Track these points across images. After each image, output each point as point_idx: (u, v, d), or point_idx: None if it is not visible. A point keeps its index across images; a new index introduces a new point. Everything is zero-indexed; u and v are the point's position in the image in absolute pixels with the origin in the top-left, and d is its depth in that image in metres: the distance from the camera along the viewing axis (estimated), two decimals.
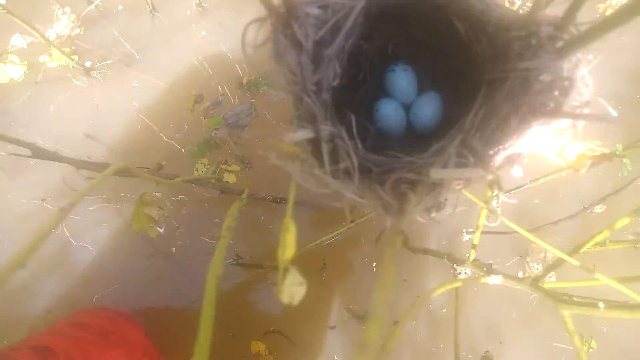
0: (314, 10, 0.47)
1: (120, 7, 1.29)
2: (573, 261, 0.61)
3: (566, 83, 0.45)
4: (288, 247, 0.39)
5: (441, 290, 0.68)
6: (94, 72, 1.24)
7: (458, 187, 0.48)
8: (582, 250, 0.66)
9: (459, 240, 1.16)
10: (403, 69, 0.62)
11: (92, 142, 1.19)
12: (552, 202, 1.20)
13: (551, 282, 0.65)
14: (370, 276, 1.16)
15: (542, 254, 1.20)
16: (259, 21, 0.46)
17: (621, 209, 0.71)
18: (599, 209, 1.06)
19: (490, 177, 0.47)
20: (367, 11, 0.53)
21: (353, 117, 0.50)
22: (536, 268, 1.18)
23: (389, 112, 0.61)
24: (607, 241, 0.72)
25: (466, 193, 0.78)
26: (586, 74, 0.45)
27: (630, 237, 1.12)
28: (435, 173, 0.44)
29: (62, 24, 1.23)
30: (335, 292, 1.17)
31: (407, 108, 0.63)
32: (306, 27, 0.48)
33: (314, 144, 0.47)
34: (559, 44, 0.45)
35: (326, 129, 0.47)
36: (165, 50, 1.27)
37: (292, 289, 0.37)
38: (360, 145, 0.49)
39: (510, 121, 0.47)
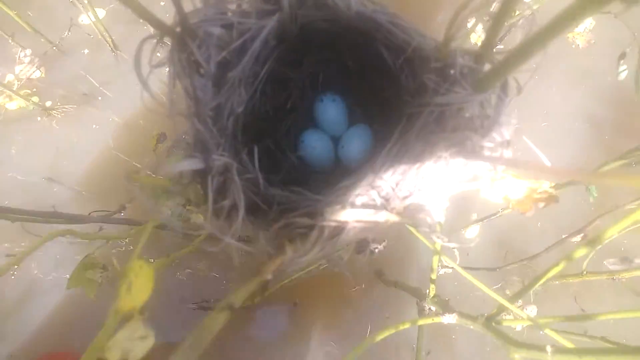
0: (216, 30, 0.43)
1: (85, 51, 1.28)
2: (512, 307, 0.55)
3: (485, 122, 0.40)
4: (135, 292, 0.33)
5: (388, 332, 0.62)
6: (55, 111, 1.22)
7: (364, 232, 0.42)
8: (537, 285, 0.60)
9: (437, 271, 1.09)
10: (332, 99, 0.57)
11: (54, 184, 1.16)
12: (529, 230, 1.13)
13: (508, 319, 0.59)
14: (349, 313, 1.09)
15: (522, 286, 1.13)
16: (155, 40, 0.42)
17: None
18: (576, 238, 1.00)
19: (397, 220, 0.42)
20: (287, 34, 0.49)
21: (255, 148, 0.45)
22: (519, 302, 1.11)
23: (315, 144, 0.56)
24: (585, 272, 0.71)
25: (417, 234, 0.72)
26: (509, 111, 0.40)
27: (611, 268, 1.05)
28: (332, 213, 0.39)
29: (23, 66, 1.22)
30: (310, 333, 1.10)
31: (337, 140, 0.58)
32: (208, 48, 0.43)
33: (204, 177, 0.42)
34: (477, 76, 0.40)
35: (220, 159, 0.42)
36: (127, 89, 1.25)
37: (129, 343, 0.31)
38: (261, 180, 0.44)
39: (424, 160, 0.41)
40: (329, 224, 0.39)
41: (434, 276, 0.62)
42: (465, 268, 0.96)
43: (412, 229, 0.66)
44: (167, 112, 0.43)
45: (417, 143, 0.42)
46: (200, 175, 0.42)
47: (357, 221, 0.41)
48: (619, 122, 1.22)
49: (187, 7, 0.43)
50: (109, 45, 1.23)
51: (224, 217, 0.41)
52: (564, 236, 1.00)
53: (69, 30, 1.16)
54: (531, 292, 1.06)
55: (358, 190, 0.42)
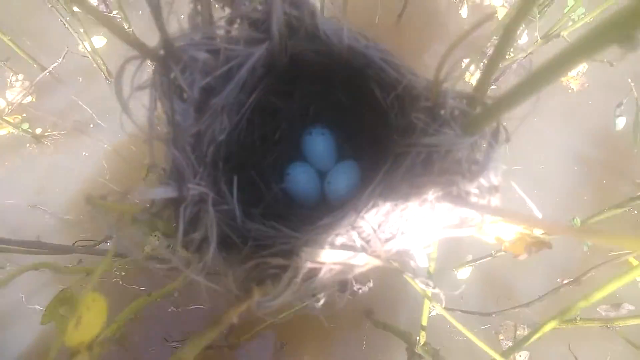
0: (202, 55, 0.41)
1: (79, 79, 1.27)
2: None
3: (473, 167, 0.38)
4: (85, 327, 0.30)
5: None
6: (45, 139, 1.21)
7: (342, 274, 0.40)
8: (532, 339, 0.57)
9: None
10: (321, 133, 0.56)
11: (40, 211, 1.13)
12: (522, 269, 1.10)
13: None
14: (338, 353, 1.05)
15: (515, 330, 1.09)
16: (137, 62, 0.41)
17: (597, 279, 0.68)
18: (570, 284, 0.97)
19: (378, 263, 0.39)
20: (277, 64, 0.48)
21: (235, 178, 0.43)
22: (506, 344, 1.08)
23: (300, 178, 0.54)
24: (578, 319, 0.67)
25: (407, 278, 0.69)
26: (498, 156, 0.38)
27: (604, 314, 1.02)
28: (308, 253, 0.36)
29: (15, 92, 1.22)
30: None
31: (324, 175, 0.56)
32: (192, 73, 0.42)
33: (177, 207, 0.40)
34: (468, 118, 0.38)
35: (195, 189, 0.40)
36: (119, 117, 1.23)
37: None
38: (238, 213, 0.42)
39: (409, 203, 0.39)
40: (304, 265, 0.37)
41: (424, 322, 0.59)
42: (457, 311, 0.93)
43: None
44: (146, 137, 0.41)
45: (402, 184, 0.40)
46: (174, 204, 0.40)
47: (335, 263, 0.38)
48: (611, 163, 1.21)
49: (174, 28, 0.41)
50: (104, 74, 1.22)
51: (193, 250, 0.38)
52: (558, 280, 0.98)
53: (64, 57, 1.15)
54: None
55: (338, 230, 0.40)
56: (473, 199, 0.38)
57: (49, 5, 1.00)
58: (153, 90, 0.41)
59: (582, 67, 1.22)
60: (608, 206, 0.74)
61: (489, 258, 0.92)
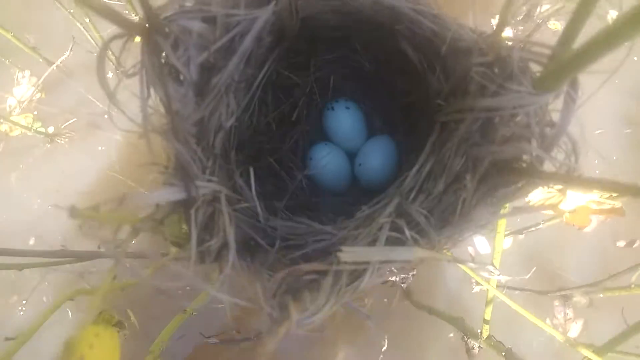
0: (196, 25, 0.34)
1: (87, 70, 1.22)
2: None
3: (548, 129, 0.31)
4: None
5: None
6: (59, 137, 1.16)
7: (392, 272, 0.33)
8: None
9: (468, 291, 0.95)
10: (345, 107, 0.48)
11: (61, 212, 1.08)
12: (564, 241, 1.01)
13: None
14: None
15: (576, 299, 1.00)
16: (122, 39, 0.34)
17: None
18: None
19: (434, 257, 0.32)
20: (287, 30, 0.40)
21: (251, 169, 0.36)
22: (566, 313, 0.99)
23: (326, 161, 0.46)
24: (632, 285, 0.66)
25: (463, 267, 0.62)
26: (577, 116, 0.30)
27: None
28: (346, 254, 0.30)
29: (23, 88, 1.16)
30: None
31: (353, 156, 0.49)
32: (187, 48, 0.35)
33: (186, 210, 0.33)
34: (538, 73, 0.30)
35: (206, 186, 0.33)
36: (133, 107, 1.17)
37: None
38: (260, 209, 0.35)
39: (465, 181, 0.32)
40: (346, 267, 0.30)
41: (487, 315, 0.52)
42: (508, 289, 0.85)
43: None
44: (141, 131, 0.34)
45: (456, 159, 0.32)
46: (183, 208, 0.33)
47: (382, 261, 0.31)
48: None
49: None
50: (113, 64, 1.16)
51: (211, 260, 0.32)
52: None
53: (71, 50, 1.09)
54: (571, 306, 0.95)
55: (382, 220, 0.33)
56: (550, 169, 0.30)
57: None
58: (143, 74, 0.34)
59: None
60: None
61: (538, 227, 0.83)
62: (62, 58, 1.12)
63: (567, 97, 0.29)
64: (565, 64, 0.27)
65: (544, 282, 0.94)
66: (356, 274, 0.32)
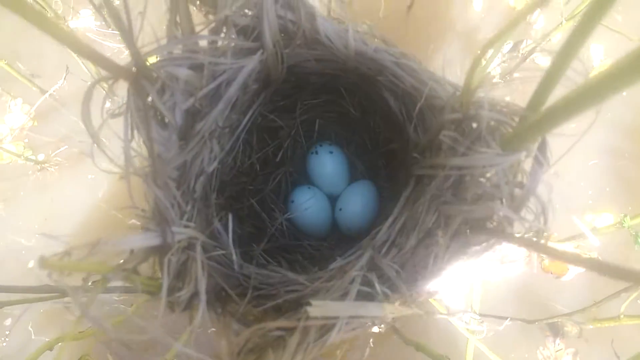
0: (183, 72, 0.35)
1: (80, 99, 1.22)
2: None
3: (517, 190, 0.31)
4: None
5: None
6: (49, 165, 1.16)
7: (361, 327, 0.33)
8: None
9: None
10: (328, 151, 0.49)
11: (49, 241, 1.07)
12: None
13: None
14: None
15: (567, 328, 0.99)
16: (107, 83, 0.35)
17: None
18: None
19: (404, 313, 0.32)
20: (273, 78, 0.41)
21: (230, 216, 0.36)
22: (557, 344, 0.98)
23: (308, 205, 0.47)
24: (622, 316, 0.65)
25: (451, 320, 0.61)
26: (545, 178, 0.31)
27: None
28: (316, 309, 0.30)
29: (15, 117, 1.17)
30: None
31: (335, 200, 0.49)
32: (173, 94, 0.36)
33: (161, 256, 0.33)
34: (507, 132, 0.31)
35: (182, 232, 0.33)
36: (116, 146, 1.17)
37: None
38: (235, 257, 0.36)
39: (437, 237, 0.32)
40: (315, 322, 0.30)
41: None
42: (496, 317, 0.84)
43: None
44: (121, 173, 0.35)
45: (428, 215, 0.33)
46: (158, 254, 0.33)
47: (352, 317, 0.31)
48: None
49: (150, 42, 0.35)
50: (105, 92, 1.16)
51: (181, 310, 0.32)
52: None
53: (65, 79, 1.10)
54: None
55: (353, 274, 0.33)
56: (518, 232, 0.31)
57: None
58: (127, 117, 0.35)
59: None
60: None
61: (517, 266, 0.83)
62: (56, 87, 1.13)
63: (536, 160, 0.30)
64: (532, 126, 0.27)
65: (534, 313, 0.93)
66: (325, 329, 0.32)
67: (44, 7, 0.82)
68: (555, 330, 0.99)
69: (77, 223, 1.09)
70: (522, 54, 1.04)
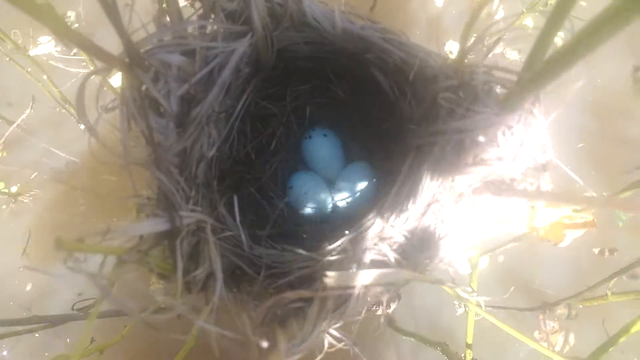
0: (176, 58, 0.35)
1: (49, 126, 1.20)
2: None
3: (517, 147, 0.32)
4: None
5: None
6: (23, 197, 1.12)
7: (378, 296, 0.33)
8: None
9: (452, 313, 0.95)
10: (322, 134, 0.49)
11: (31, 273, 1.04)
12: (538, 255, 1.03)
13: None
14: None
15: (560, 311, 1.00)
16: (99, 75, 0.34)
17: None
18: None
19: (417, 277, 0.33)
20: (263, 61, 0.41)
21: (235, 199, 0.36)
22: (552, 326, 1.00)
23: (305, 189, 0.47)
24: (609, 293, 0.67)
25: (446, 288, 0.62)
26: (544, 132, 0.32)
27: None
28: (331, 279, 0.30)
29: None
30: None
31: (332, 182, 0.50)
32: (167, 81, 0.35)
33: (171, 240, 0.33)
34: (502, 93, 0.32)
35: (190, 216, 0.33)
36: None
37: None
38: (245, 238, 0.36)
39: (443, 201, 0.33)
40: (332, 293, 0.31)
41: (469, 338, 0.52)
42: (491, 308, 0.86)
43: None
44: (123, 162, 0.34)
45: (432, 180, 0.34)
46: (167, 239, 0.33)
47: (367, 285, 0.32)
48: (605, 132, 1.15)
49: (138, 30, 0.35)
50: (74, 117, 1.13)
51: (198, 290, 0.32)
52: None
53: (31, 108, 1.06)
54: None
55: (365, 244, 0.33)
56: (520, 185, 0.32)
57: (7, 59, 0.93)
58: (123, 107, 0.35)
59: None
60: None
61: (510, 245, 0.85)
62: (23, 117, 1.09)
63: (531, 115, 0.31)
64: (528, 83, 0.28)
65: (525, 299, 0.95)
66: (342, 300, 0.32)
67: (2, 38, 0.80)
68: (548, 314, 1.02)
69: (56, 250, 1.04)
70: (486, 45, 1.08)
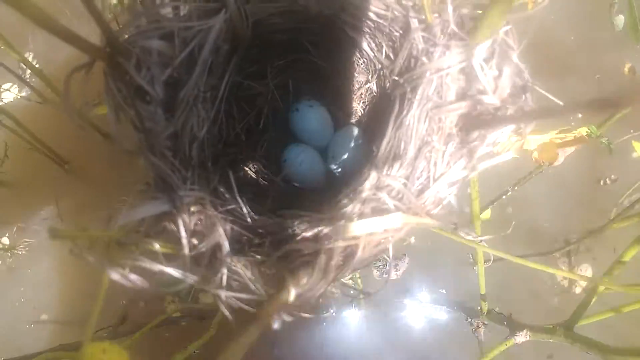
0: (155, 43, 0.35)
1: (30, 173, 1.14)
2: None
3: (496, 76, 0.33)
4: None
5: None
6: (17, 249, 1.08)
7: (382, 245, 0.34)
8: None
9: (468, 270, 0.93)
10: (308, 106, 0.50)
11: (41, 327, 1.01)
12: (534, 199, 1.02)
13: (593, 315, 0.48)
14: None
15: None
16: (83, 69, 0.35)
17: None
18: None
19: (419, 220, 0.34)
20: (240, 37, 0.42)
21: (230, 173, 0.37)
22: (585, 269, 0.97)
23: (300, 160, 0.48)
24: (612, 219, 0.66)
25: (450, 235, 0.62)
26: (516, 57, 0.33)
27: None
28: (336, 230, 0.31)
29: None
30: None
31: (325, 150, 0.50)
32: (149, 67, 0.36)
33: (173, 220, 0.33)
34: (473, 26, 0.33)
35: (189, 195, 0.34)
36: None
37: None
38: (245, 208, 0.36)
39: (433, 142, 0.34)
40: (338, 245, 0.31)
41: (482, 290, 0.53)
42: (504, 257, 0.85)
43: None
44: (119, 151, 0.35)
45: (420, 124, 0.34)
46: (169, 219, 0.34)
47: (372, 234, 0.32)
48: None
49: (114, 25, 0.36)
50: (54, 161, 1.07)
51: (206, 264, 0.32)
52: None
53: (6, 155, 1.01)
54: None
55: (364, 196, 0.34)
56: (503, 112, 0.32)
57: None
58: (109, 98, 0.35)
59: None
60: None
61: (510, 192, 0.85)
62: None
63: (505, 43, 0.32)
64: (495, 11, 0.29)
65: (535, 243, 0.94)
66: (348, 251, 0.33)
67: None
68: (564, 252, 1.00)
69: (64, 296, 1.01)
70: None
